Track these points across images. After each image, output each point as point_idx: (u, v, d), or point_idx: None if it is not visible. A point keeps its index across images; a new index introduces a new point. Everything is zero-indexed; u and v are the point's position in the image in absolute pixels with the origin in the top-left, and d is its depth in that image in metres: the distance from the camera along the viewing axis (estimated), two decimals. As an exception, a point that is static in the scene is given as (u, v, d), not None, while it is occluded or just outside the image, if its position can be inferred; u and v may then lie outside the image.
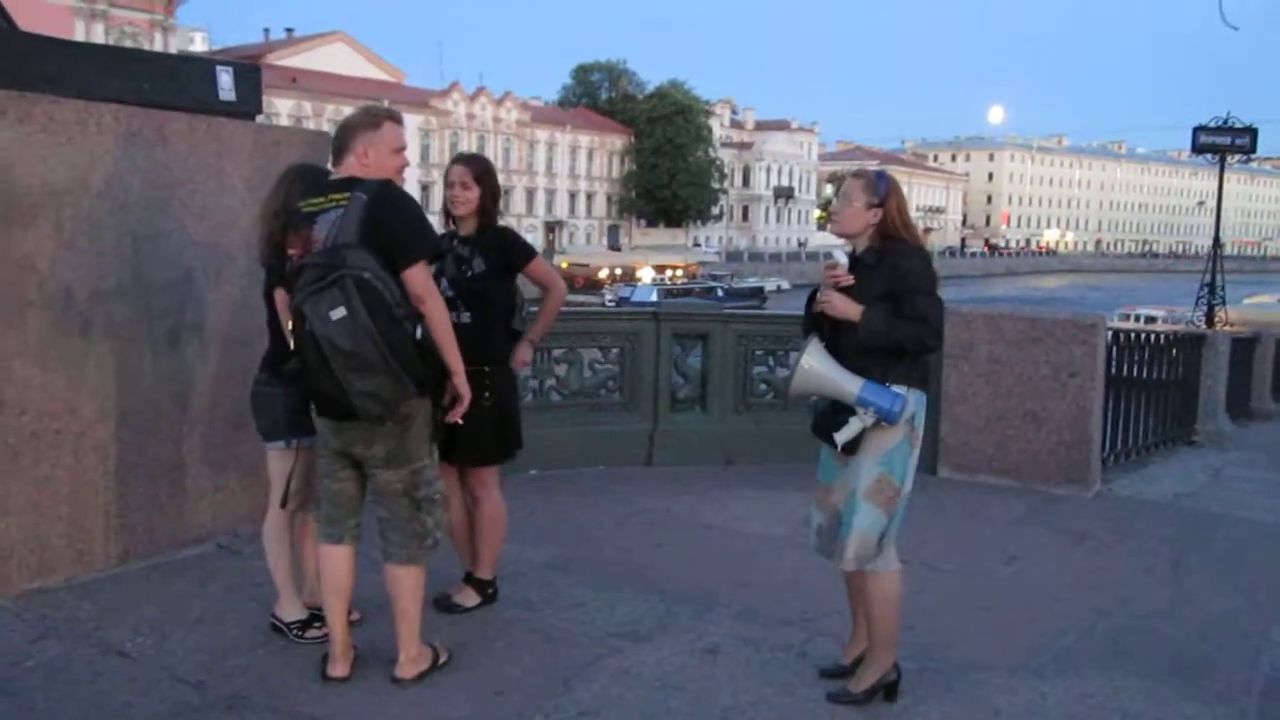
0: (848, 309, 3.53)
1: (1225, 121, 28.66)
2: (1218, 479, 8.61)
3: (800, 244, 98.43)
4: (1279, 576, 5.64)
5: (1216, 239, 29.10)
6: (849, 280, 3.57)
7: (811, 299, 3.70)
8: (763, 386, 7.72)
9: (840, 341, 3.57)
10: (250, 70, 5.47)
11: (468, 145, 77.02)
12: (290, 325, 3.45)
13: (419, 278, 3.41)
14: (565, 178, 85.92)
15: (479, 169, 4.35)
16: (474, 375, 3.68)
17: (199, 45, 68.07)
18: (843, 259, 3.63)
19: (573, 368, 7.25)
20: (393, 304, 3.28)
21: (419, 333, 3.35)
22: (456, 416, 3.60)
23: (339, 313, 3.21)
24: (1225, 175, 29.85)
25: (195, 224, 4.87)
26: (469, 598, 4.43)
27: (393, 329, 3.27)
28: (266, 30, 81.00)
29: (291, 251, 3.42)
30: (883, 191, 3.61)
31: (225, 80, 5.21)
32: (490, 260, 4.28)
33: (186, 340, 4.86)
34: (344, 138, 3.58)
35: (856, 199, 3.62)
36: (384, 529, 3.62)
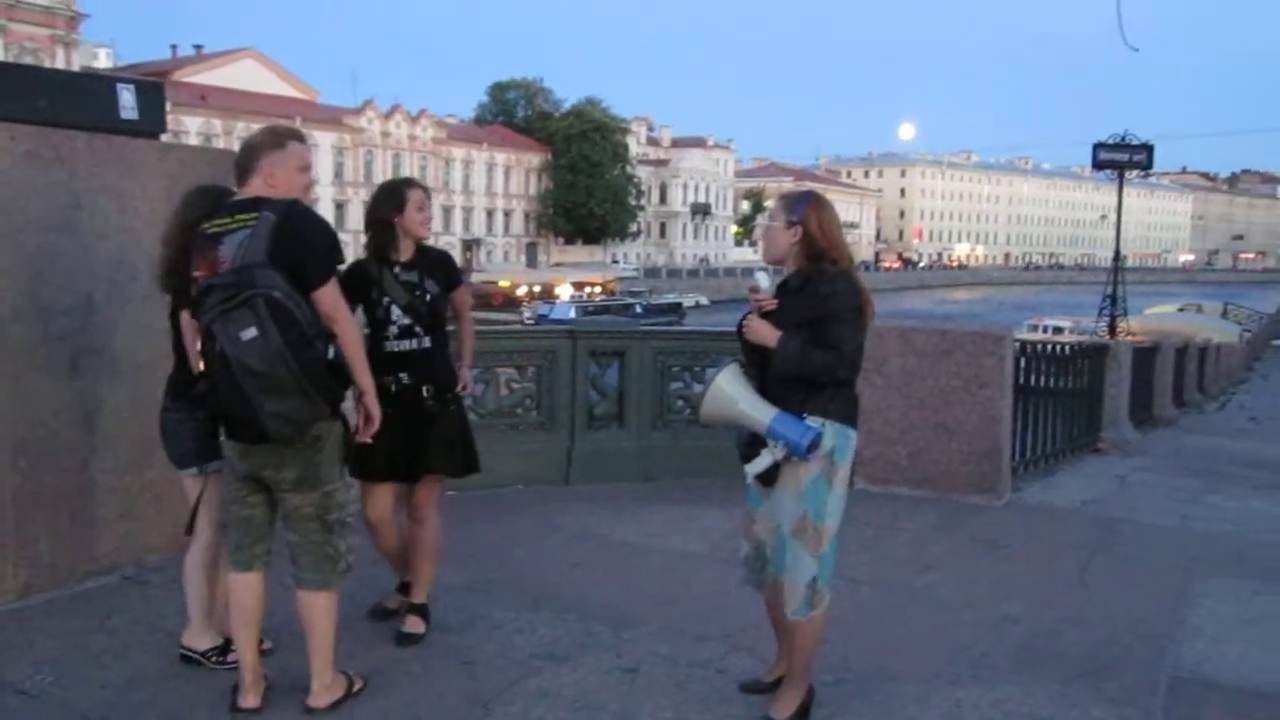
0: (766, 335, 3.45)
1: (1123, 139, 29.67)
2: (1123, 485, 8.85)
3: (701, 261, 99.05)
4: (1182, 579, 5.80)
5: (1117, 253, 30.07)
6: (772, 304, 3.51)
7: (742, 324, 3.61)
8: (680, 403, 7.75)
9: (766, 369, 3.49)
10: (153, 88, 5.34)
11: (383, 164, 76.43)
12: (198, 346, 3.38)
13: (330, 297, 3.37)
14: (482, 195, 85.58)
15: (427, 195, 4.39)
16: (440, 397, 4.02)
17: (103, 62, 66.54)
18: (764, 282, 3.54)
19: (489, 387, 7.21)
20: (304, 323, 3.23)
21: (331, 353, 3.31)
22: (366, 437, 3.56)
23: (250, 333, 3.15)
24: (1125, 190, 30.84)
25: (96, 245, 4.75)
26: (417, 625, 4.35)
27: (305, 349, 3.22)
28: (174, 47, 79.64)
29: (197, 273, 3.35)
30: (800, 210, 3.52)
31: (127, 98, 5.08)
32: (439, 281, 4.30)
33: (88, 365, 4.72)
34: (248, 158, 3.52)
35: (777, 218, 3.58)
36: (295, 554, 3.55)
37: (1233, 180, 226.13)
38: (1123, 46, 9.41)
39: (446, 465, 4.34)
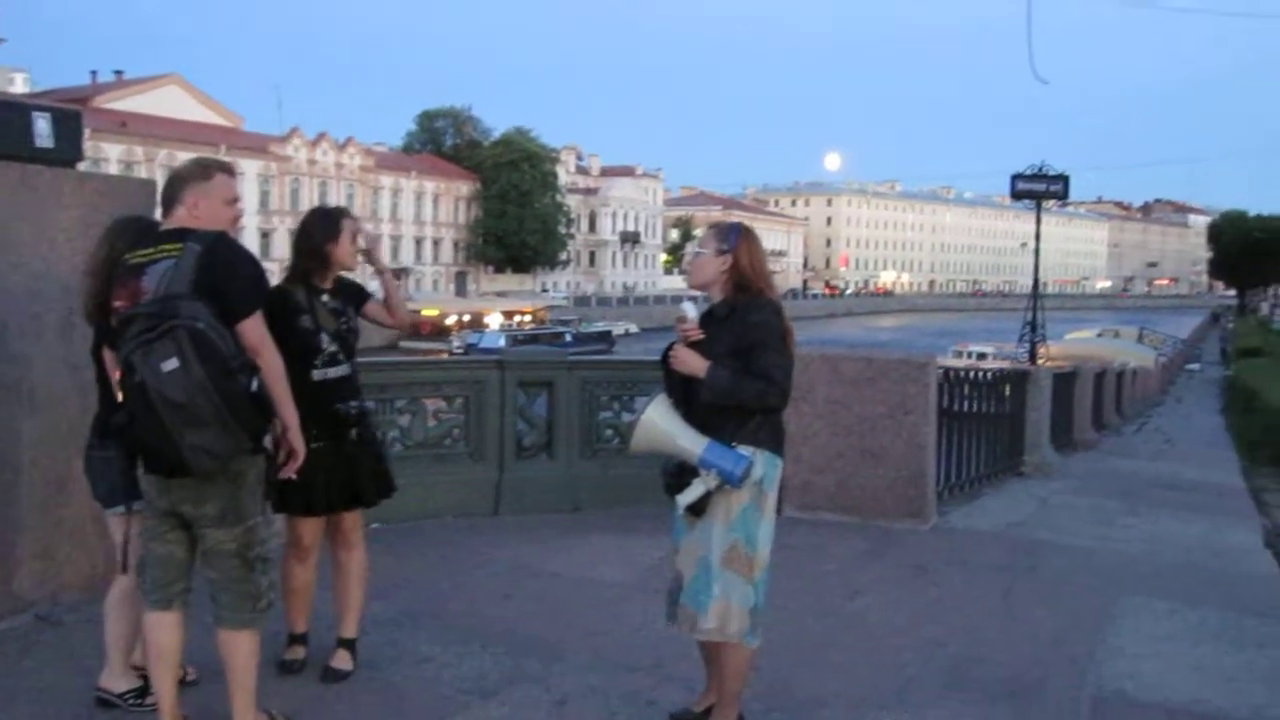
0: (694, 365, 3.47)
1: (1040, 169, 30.45)
2: (1045, 507, 9.03)
3: (629, 288, 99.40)
4: (1102, 600, 5.93)
5: (1036, 281, 30.77)
6: (698, 334, 3.53)
7: (668, 354, 3.62)
8: (609, 432, 7.75)
9: (692, 398, 3.49)
10: (70, 115, 5.22)
11: (310, 192, 75.62)
12: (118, 378, 3.31)
13: (255, 329, 3.33)
14: (411, 224, 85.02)
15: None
16: (360, 419, 4.12)
17: (19, 87, 65.06)
18: (691, 312, 3.57)
19: (416, 418, 7.14)
20: (227, 355, 3.18)
21: (254, 385, 3.26)
22: (290, 472, 3.51)
23: (171, 364, 3.09)
24: (1044, 219, 31.61)
25: (10, 276, 4.62)
26: (345, 661, 4.27)
27: (228, 381, 3.16)
28: (94, 73, 78.04)
29: (118, 304, 3.29)
30: (732, 240, 3.58)
31: (42, 126, 4.97)
32: (357, 309, 4.34)
33: (1, 398, 4.59)
34: (174, 189, 3.48)
35: (707, 247, 3.62)
36: (215, 592, 3.47)
37: (1146, 209, 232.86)
38: (1035, 80, 9.64)
39: (376, 493, 4.33)
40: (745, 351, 3.44)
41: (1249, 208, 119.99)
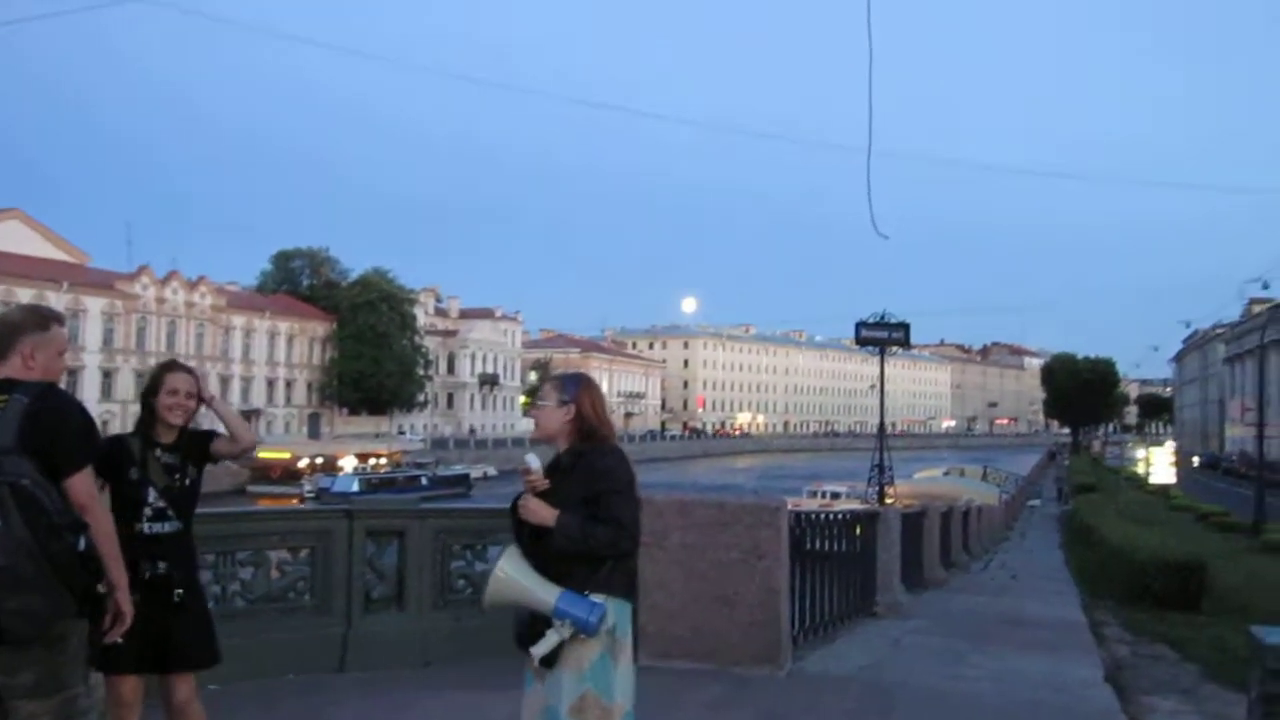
0: (544, 515, 3.48)
1: (883, 317, 31.86)
2: (898, 649, 9.15)
3: (474, 429, 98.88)
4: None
5: (881, 425, 31.87)
6: (544, 484, 3.56)
7: (516, 505, 3.63)
8: (461, 582, 7.57)
9: (542, 548, 3.49)
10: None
11: (157, 331, 73.60)
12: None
13: (83, 486, 3.22)
14: (264, 365, 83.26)
15: (196, 382, 4.27)
16: (189, 581, 4.02)
17: None
18: (535, 463, 3.61)
19: (259, 570, 6.86)
20: (53, 513, 3.07)
21: (82, 544, 3.12)
22: (116, 636, 3.34)
23: (-8, 524, 2.95)
24: (889, 360, 32.91)
25: None
26: None
27: (52, 540, 3.04)
28: (-72, 208, 75.11)
29: (-64, 458, 3.13)
30: (573, 390, 3.66)
31: None
32: (198, 463, 4.27)
33: None
34: (6, 337, 3.37)
35: (549, 398, 3.68)
36: (28, 771, 3.22)
37: (985, 352, 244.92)
38: (878, 234, 10.19)
39: (202, 657, 4.19)
40: (593, 498, 3.48)
41: (1077, 350, 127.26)
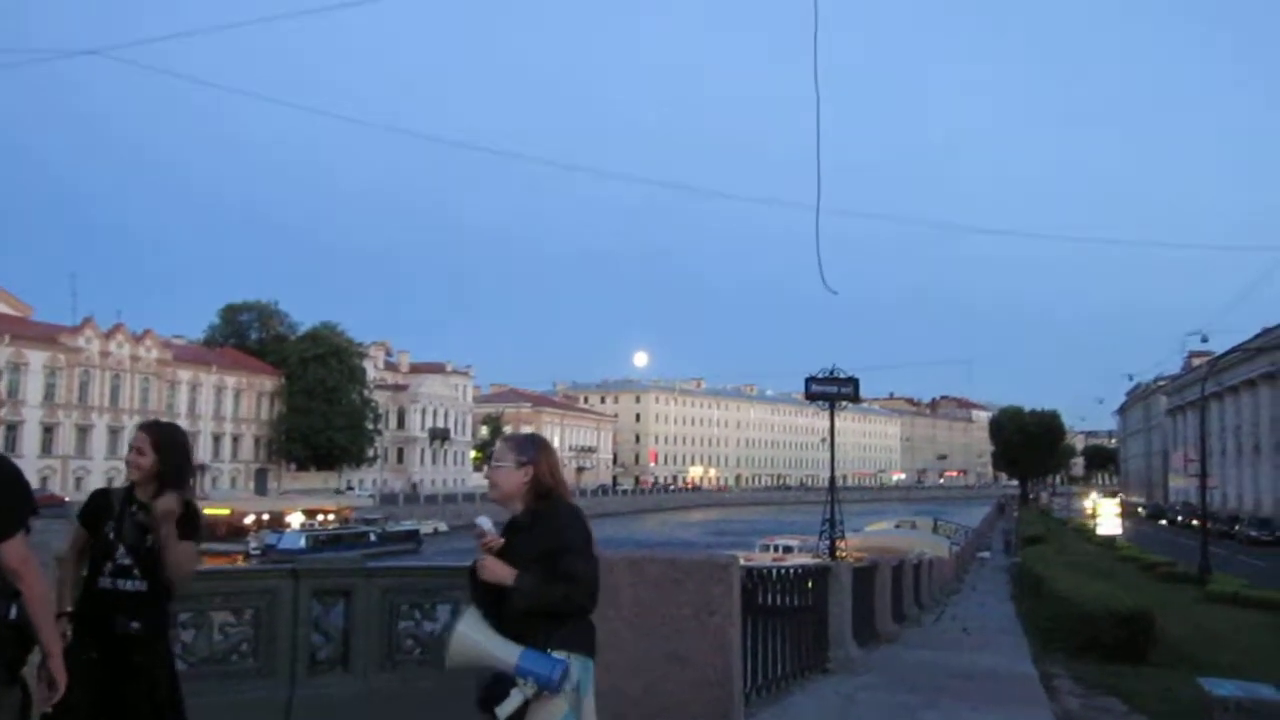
0: (502, 574, 3.49)
1: (832, 372, 32.11)
2: (850, 705, 9.10)
3: (414, 485, 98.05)
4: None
5: (832, 480, 31.98)
6: (498, 543, 3.57)
7: (474, 568, 3.64)
8: (409, 642, 7.43)
9: (502, 607, 3.50)
10: None
11: (100, 384, 72.39)
12: None
13: (15, 551, 3.13)
14: (210, 419, 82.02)
15: (157, 436, 4.19)
16: (158, 645, 3.96)
17: None
18: (488, 525, 3.62)
19: (200, 632, 6.70)
20: (-17, 580, 2.96)
21: (13, 612, 3.03)
22: (47, 705, 3.23)
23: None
24: (840, 414, 33.11)
25: None
26: None
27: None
28: None
29: None
30: (530, 452, 3.70)
31: None
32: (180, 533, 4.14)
33: None
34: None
35: (506, 459, 3.70)
36: None
37: (933, 405, 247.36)
38: (827, 289, 10.30)
39: None
40: (551, 556, 3.49)
41: (1024, 403, 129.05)
